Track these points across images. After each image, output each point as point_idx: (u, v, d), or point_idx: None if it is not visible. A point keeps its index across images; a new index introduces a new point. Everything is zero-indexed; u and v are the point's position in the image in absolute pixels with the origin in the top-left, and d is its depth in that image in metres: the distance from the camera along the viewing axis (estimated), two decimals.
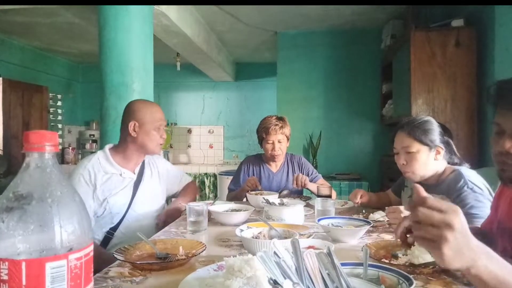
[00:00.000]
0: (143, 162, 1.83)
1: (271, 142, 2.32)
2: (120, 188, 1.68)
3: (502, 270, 0.68)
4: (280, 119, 2.37)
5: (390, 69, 3.98)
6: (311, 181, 2.36)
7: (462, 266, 0.68)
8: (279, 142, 2.32)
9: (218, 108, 6.36)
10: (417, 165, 1.56)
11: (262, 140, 2.38)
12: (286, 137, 2.36)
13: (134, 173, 1.76)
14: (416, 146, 1.56)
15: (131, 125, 1.69)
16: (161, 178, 1.89)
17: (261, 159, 2.49)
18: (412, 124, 1.58)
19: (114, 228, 1.67)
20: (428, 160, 1.56)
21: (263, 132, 2.34)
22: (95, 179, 1.63)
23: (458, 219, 0.66)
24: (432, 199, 0.69)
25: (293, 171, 2.45)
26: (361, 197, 1.89)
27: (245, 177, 2.41)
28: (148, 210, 1.77)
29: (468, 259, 0.67)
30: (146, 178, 1.80)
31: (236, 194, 2.33)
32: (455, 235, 0.65)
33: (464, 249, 0.66)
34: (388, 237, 1.35)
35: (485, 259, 0.68)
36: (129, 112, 1.73)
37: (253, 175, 2.39)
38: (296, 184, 2.18)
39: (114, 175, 1.68)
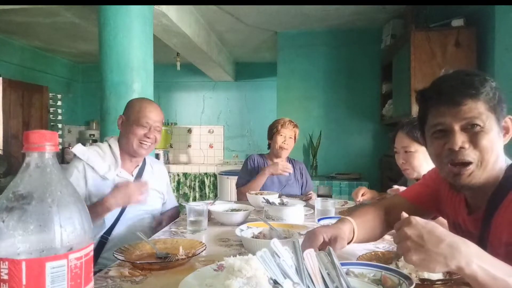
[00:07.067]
0: (144, 163, 1.78)
1: (283, 135, 2.45)
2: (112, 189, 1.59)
3: (493, 267, 0.71)
4: (294, 122, 2.55)
5: (390, 69, 3.98)
6: (302, 188, 2.55)
7: (447, 266, 0.71)
8: (289, 138, 2.46)
9: (218, 108, 6.36)
10: (416, 163, 1.62)
11: (274, 134, 2.48)
12: (295, 137, 2.51)
13: (132, 175, 1.70)
14: (414, 146, 1.60)
15: (119, 120, 1.67)
16: (162, 186, 1.84)
17: (264, 157, 2.58)
18: (412, 125, 1.62)
19: (108, 232, 1.59)
20: (426, 159, 1.58)
21: (278, 125, 2.47)
22: (85, 176, 1.57)
23: (409, 227, 0.75)
24: (397, 223, 0.80)
25: (294, 173, 2.54)
26: (363, 195, 1.90)
27: (253, 171, 2.49)
28: (144, 213, 1.70)
29: (448, 257, 0.71)
30: (145, 180, 1.72)
31: (255, 181, 2.35)
32: (413, 241, 0.74)
33: (433, 249, 0.72)
34: (388, 237, 1.35)
35: (477, 257, 0.71)
36: (125, 108, 1.72)
37: (258, 170, 2.46)
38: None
39: (109, 173, 1.60)
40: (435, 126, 0.93)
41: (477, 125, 0.87)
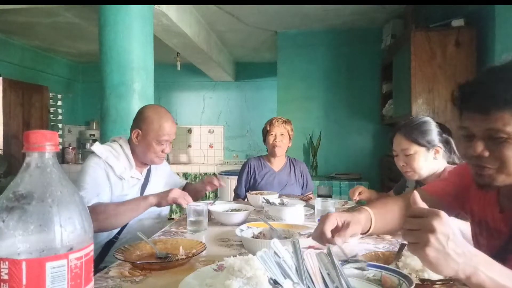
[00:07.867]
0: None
1: (273, 134, 2.46)
2: (129, 190, 1.66)
3: (501, 276, 0.69)
4: (284, 119, 2.55)
5: (390, 69, 3.98)
6: (302, 189, 2.52)
7: (456, 273, 0.69)
8: (281, 135, 2.46)
9: (218, 108, 6.36)
10: (416, 166, 1.59)
11: (266, 134, 2.50)
12: (288, 134, 2.49)
13: (142, 175, 1.75)
14: (413, 148, 1.58)
15: (134, 132, 1.67)
16: (165, 180, 1.89)
17: (263, 159, 2.57)
18: (409, 126, 1.60)
19: (119, 232, 1.63)
20: (426, 160, 1.58)
21: (268, 125, 2.50)
22: (107, 172, 1.60)
23: (439, 223, 0.69)
24: (419, 208, 0.74)
25: (295, 174, 2.53)
26: (360, 194, 1.90)
27: (248, 178, 2.49)
28: (152, 212, 1.72)
29: (461, 265, 0.69)
30: (153, 179, 1.79)
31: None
32: (437, 238, 0.68)
33: (452, 254, 0.68)
34: (388, 237, 1.35)
35: (484, 266, 0.69)
36: (139, 118, 1.70)
37: (256, 174, 2.48)
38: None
39: (124, 174, 1.64)
40: (460, 128, 0.91)
41: (500, 136, 0.82)
